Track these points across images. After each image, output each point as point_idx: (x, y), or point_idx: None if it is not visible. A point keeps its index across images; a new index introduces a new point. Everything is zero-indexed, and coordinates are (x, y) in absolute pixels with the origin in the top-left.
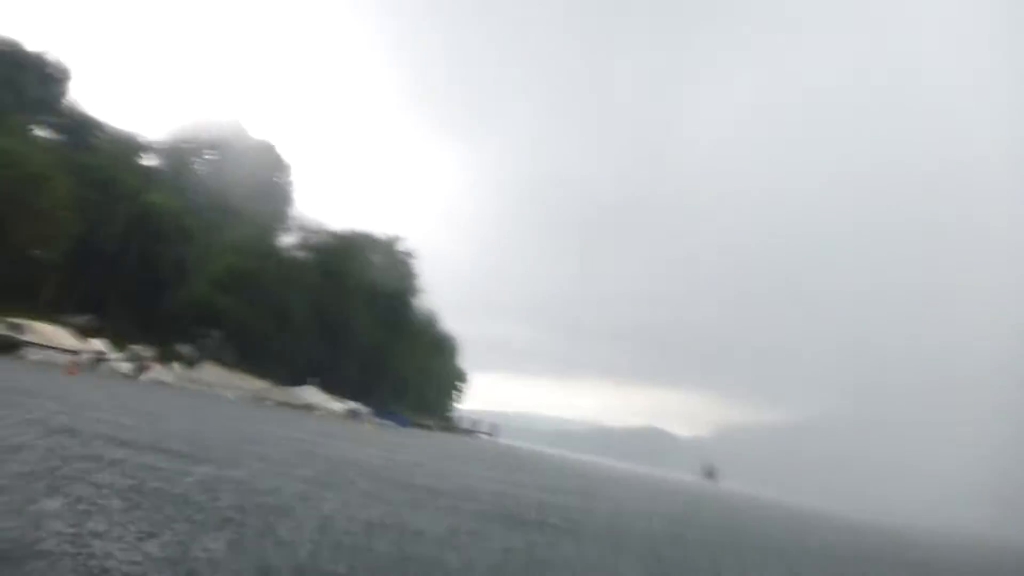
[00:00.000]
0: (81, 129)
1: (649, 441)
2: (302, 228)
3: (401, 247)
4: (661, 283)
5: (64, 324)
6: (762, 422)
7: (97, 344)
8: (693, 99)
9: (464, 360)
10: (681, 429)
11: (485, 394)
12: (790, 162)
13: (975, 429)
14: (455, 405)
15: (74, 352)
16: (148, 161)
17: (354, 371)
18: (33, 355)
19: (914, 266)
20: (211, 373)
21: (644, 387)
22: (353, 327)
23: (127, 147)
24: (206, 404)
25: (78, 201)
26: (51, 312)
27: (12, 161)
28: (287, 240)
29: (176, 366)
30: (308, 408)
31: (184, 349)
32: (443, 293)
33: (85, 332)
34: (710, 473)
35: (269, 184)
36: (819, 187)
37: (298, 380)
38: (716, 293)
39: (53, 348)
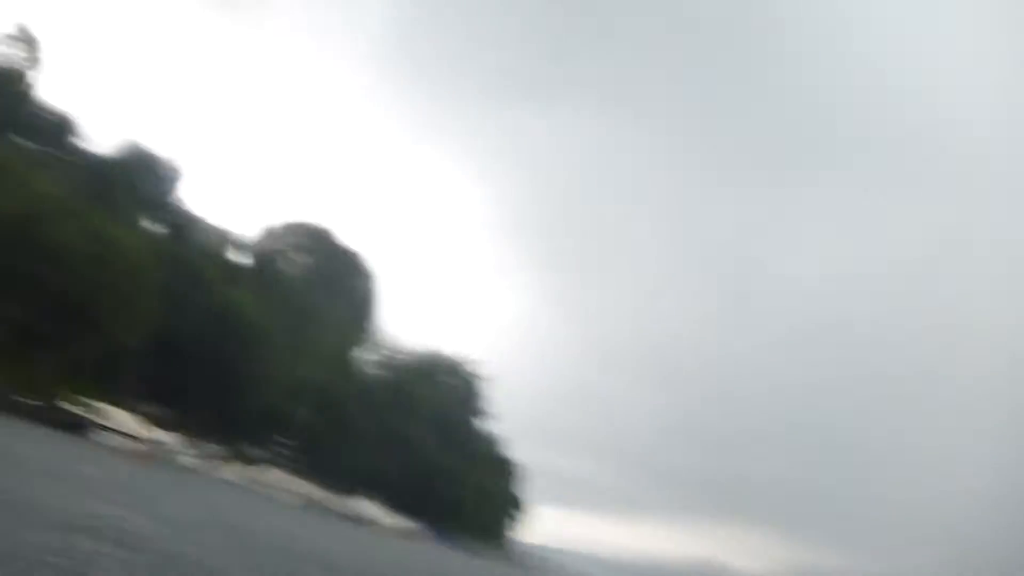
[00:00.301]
0: (183, 224)
1: None
2: (382, 347)
3: (473, 370)
4: (743, 429)
5: (135, 411)
6: (840, 568)
7: (164, 435)
8: (778, 255)
9: (526, 489)
10: (744, 566)
11: (542, 527)
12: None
13: None
14: (512, 534)
15: (141, 441)
16: (237, 258)
17: (413, 486)
18: (99, 438)
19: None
20: (274, 477)
21: (708, 522)
22: (416, 445)
23: (219, 243)
24: (265, 510)
25: (165, 291)
26: (124, 397)
27: (116, 251)
28: (366, 357)
29: (242, 466)
30: (363, 521)
31: (252, 451)
32: (514, 417)
33: (154, 421)
34: None
35: (353, 291)
36: (931, 335)
37: (356, 489)
38: (799, 440)
39: (120, 433)
